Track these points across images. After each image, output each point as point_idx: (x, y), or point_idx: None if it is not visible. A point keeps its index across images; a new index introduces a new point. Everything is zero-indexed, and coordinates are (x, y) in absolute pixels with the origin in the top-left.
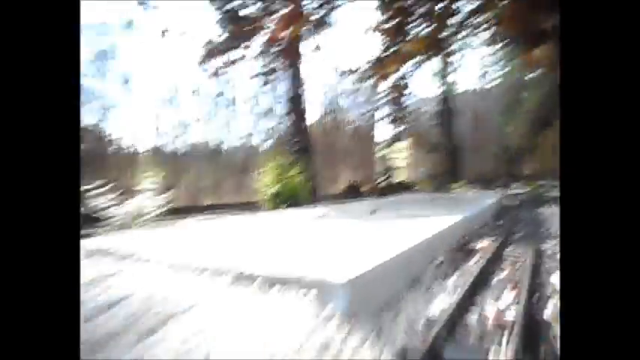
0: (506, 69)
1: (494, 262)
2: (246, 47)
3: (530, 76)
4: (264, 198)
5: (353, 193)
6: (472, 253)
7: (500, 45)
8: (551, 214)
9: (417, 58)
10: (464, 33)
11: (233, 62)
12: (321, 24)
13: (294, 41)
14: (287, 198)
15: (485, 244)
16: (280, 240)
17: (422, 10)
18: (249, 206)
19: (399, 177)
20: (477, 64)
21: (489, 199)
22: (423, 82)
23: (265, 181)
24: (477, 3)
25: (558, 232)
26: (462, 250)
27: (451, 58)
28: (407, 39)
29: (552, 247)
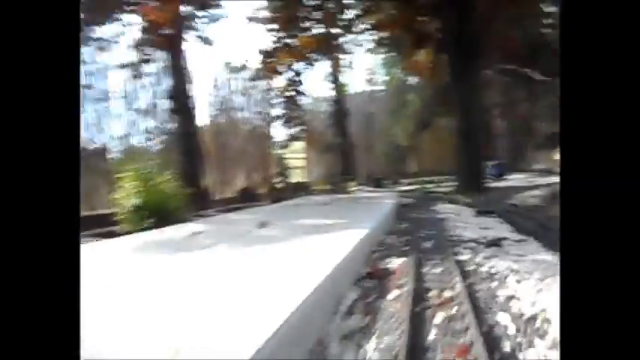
0: (392, 72)
1: (418, 297)
2: (119, 33)
3: (413, 79)
4: (125, 212)
5: (248, 196)
6: (386, 281)
7: (387, 49)
8: (446, 212)
9: (310, 56)
10: (355, 35)
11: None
12: (208, 11)
13: (175, 28)
14: (153, 211)
15: (398, 265)
16: (114, 305)
17: (313, 3)
18: (109, 221)
19: (297, 178)
20: (366, 67)
21: (385, 199)
22: (317, 83)
23: (126, 190)
24: (366, 4)
25: (466, 236)
26: (374, 279)
27: (343, 59)
28: (298, 35)
29: (470, 258)
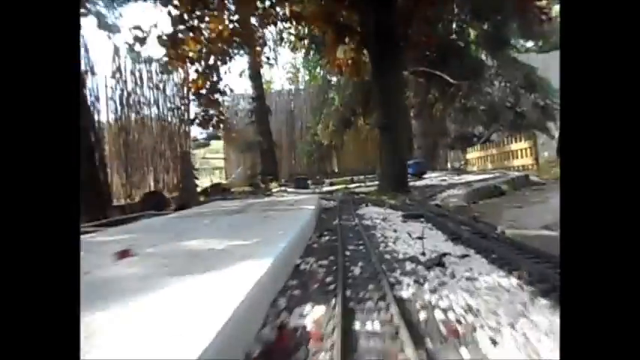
0: (313, 69)
1: None
2: None
3: (335, 77)
4: None
5: (154, 201)
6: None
7: (307, 44)
8: (372, 217)
9: (224, 47)
10: (274, 27)
11: None
12: None
13: None
14: None
15: (316, 321)
16: None
17: None
18: None
19: (215, 179)
20: (287, 63)
21: (306, 202)
22: (236, 79)
23: None
24: None
25: (400, 252)
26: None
27: (263, 53)
28: (208, 19)
29: (415, 293)
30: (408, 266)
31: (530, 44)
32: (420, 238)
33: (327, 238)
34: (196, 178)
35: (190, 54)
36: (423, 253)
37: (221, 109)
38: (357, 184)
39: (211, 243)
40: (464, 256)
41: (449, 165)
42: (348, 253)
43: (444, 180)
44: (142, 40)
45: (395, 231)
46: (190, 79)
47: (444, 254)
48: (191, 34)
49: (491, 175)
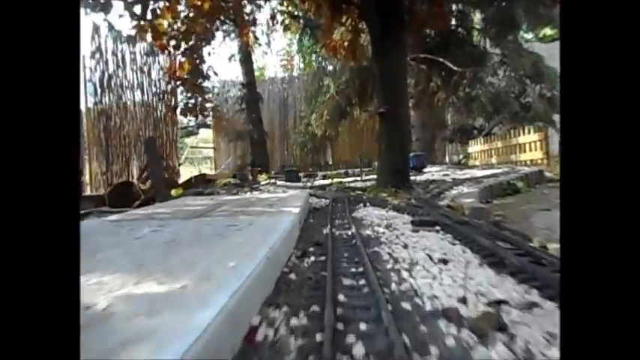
0: (308, 54)
1: None
2: None
3: (331, 64)
4: None
5: (125, 193)
6: None
7: (302, 26)
8: (373, 224)
9: (203, 23)
10: (264, 4)
11: None
12: None
13: None
14: None
15: None
16: None
17: None
18: None
19: (203, 169)
20: (281, 49)
21: (292, 200)
22: (227, 64)
23: None
24: None
25: (424, 295)
26: None
27: (253, 32)
28: None
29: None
30: (446, 333)
31: (529, 36)
32: (445, 262)
33: (312, 259)
34: (164, 169)
35: (167, 30)
36: (464, 300)
37: (206, 95)
38: (353, 178)
39: (106, 287)
40: (530, 305)
41: (447, 158)
42: (341, 296)
43: (447, 175)
44: (103, 6)
45: (406, 247)
46: (177, 62)
47: (499, 302)
48: (167, 3)
49: (499, 170)
